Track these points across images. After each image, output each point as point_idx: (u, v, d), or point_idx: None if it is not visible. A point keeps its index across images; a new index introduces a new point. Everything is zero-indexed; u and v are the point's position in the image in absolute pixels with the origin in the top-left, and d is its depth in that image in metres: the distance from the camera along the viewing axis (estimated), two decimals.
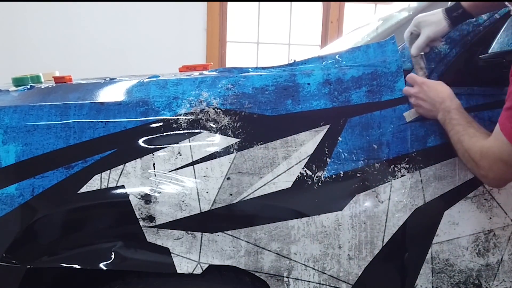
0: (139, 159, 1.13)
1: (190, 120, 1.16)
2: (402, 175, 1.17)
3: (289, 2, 3.81)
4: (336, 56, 1.28)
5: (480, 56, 1.19)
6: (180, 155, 1.14)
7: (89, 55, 3.43)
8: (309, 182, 1.15)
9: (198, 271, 1.14)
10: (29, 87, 1.37)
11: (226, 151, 1.14)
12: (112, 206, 1.13)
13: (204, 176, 1.13)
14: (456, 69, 1.22)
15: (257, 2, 3.79)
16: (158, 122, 1.15)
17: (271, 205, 1.15)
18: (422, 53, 1.22)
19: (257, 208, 1.15)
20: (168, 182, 1.13)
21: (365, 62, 1.24)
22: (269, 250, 1.15)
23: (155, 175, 1.12)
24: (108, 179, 1.11)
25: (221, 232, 1.14)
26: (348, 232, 1.16)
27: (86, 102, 1.18)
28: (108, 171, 1.12)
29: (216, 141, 1.15)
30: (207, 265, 1.14)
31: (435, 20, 1.19)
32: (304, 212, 1.15)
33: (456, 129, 1.07)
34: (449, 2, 1.28)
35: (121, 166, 1.12)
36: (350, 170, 1.16)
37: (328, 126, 1.17)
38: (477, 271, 1.22)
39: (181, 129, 1.15)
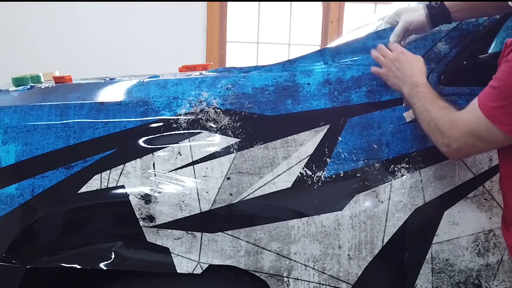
0: (139, 159, 1.13)
1: (190, 120, 1.16)
2: (402, 175, 1.17)
3: (289, 2, 3.81)
4: (336, 50, 1.28)
5: (480, 56, 1.19)
6: (180, 155, 1.14)
7: (89, 55, 3.43)
8: (309, 182, 1.15)
9: (198, 271, 1.14)
10: (29, 87, 1.38)
11: (226, 151, 1.14)
12: (112, 206, 1.14)
13: (204, 176, 1.13)
14: (456, 69, 1.22)
15: (257, 2, 3.79)
16: (158, 122, 1.15)
17: (271, 205, 1.15)
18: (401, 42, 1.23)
19: (257, 208, 1.15)
20: (168, 182, 1.13)
21: (365, 53, 1.24)
22: (269, 250, 1.15)
23: (155, 175, 1.12)
24: (108, 179, 1.11)
25: (221, 232, 1.14)
26: (348, 232, 1.16)
27: (86, 102, 1.18)
28: (108, 171, 1.12)
29: (216, 141, 1.15)
30: (207, 265, 1.14)
31: (414, 8, 1.21)
32: (304, 212, 1.15)
33: (424, 101, 1.07)
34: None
35: (121, 166, 1.12)
36: (350, 170, 1.16)
37: (328, 126, 1.17)
38: (477, 271, 1.22)
39: (181, 129, 1.15)
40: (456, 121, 1.01)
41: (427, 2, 1.20)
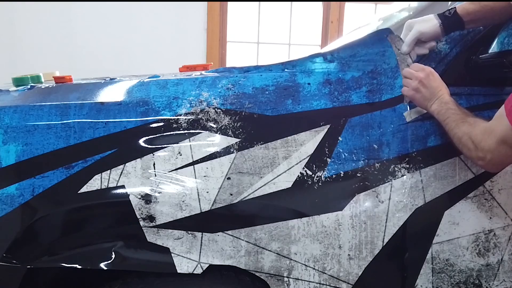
0: (139, 159, 1.13)
1: (190, 120, 1.16)
2: (402, 175, 1.17)
3: (289, 2, 3.81)
4: (336, 52, 1.28)
5: (480, 56, 1.19)
6: (180, 155, 1.14)
7: (89, 55, 3.43)
8: (309, 182, 1.15)
9: (199, 271, 1.14)
10: (29, 87, 1.37)
11: (226, 151, 1.14)
12: (112, 206, 1.13)
13: (204, 176, 1.13)
14: (456, 69, 1.22)
15: (257, 2, 3.79)
16: (158, 122, 1.15)
17: (271, 205, 1.15)
18: (410, 52, 1.22)
19: (257, 208, 1.15)
20: (169, 182, 1.13)
21: (364, 53, 1.24)
22: (269, 250, 1.15)
23: (156, 175, 1.12)
24: (108, 179, 1.11)
25: (222, 232, 1.14)
26: (348, 232, 1.16)
27: (86, 102, 1.18)
28: (108, 171, 1.12)
29: (216, 141, 1.15)
30: (207, 265, 1.14)
31: (426, 18, 1.20)
32: (304, 212, 1.15)
33: (454, 117, 1.08)
34: (449, 3, 1.28)
35: (121, 166, 1.12)
36: (350, 170, 1.16)
37: (328, 126, 1.17)
38: (477, 271, 1.22)
39: (181, 129, 1.15)
40: (487, 132, 1.00)
41: (441, 7, 1.19)
